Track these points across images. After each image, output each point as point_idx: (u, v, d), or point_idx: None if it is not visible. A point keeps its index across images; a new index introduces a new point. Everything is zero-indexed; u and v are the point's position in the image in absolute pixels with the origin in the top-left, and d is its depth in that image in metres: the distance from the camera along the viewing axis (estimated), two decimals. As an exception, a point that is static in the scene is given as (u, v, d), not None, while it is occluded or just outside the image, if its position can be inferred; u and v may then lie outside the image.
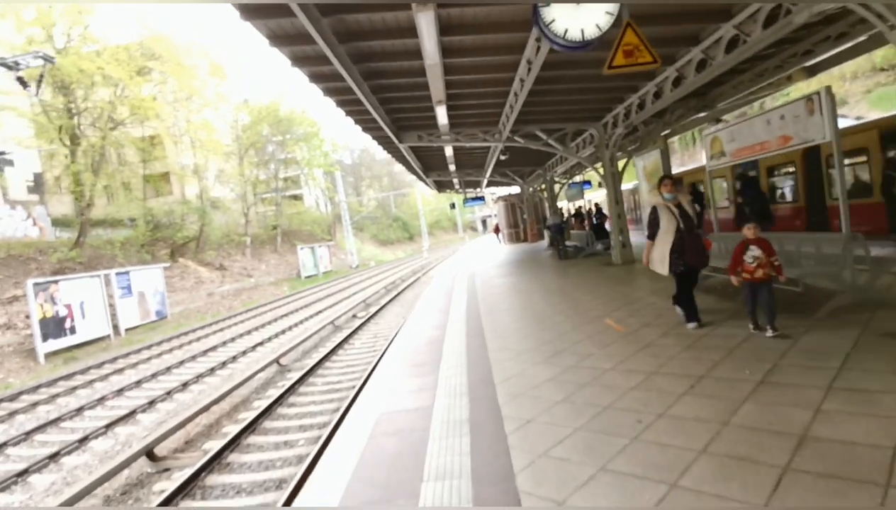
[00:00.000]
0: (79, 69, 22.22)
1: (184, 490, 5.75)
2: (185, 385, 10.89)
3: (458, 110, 10.96)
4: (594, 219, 18.24)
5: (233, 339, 16.19)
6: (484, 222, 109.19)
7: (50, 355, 17.31)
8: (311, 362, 11.11)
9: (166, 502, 5.49)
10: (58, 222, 29.93)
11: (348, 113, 10.46)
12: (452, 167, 18.44)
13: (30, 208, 28.38)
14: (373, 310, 18.28)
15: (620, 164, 12.12)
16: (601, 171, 11.98)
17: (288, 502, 5.05)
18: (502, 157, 12.54)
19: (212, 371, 12.00)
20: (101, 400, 10.41)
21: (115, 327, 21.01)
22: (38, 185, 29.04)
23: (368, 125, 11.59)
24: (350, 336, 13.79)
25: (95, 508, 5.92)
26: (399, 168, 69.36)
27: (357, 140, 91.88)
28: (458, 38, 7.16)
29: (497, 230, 39.74)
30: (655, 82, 9.59)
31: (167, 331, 21.96)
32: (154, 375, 12.16)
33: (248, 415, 8.07)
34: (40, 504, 6.30)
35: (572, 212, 19.91)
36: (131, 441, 8.02)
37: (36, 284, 17.45)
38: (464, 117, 11.41)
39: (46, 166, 30.39)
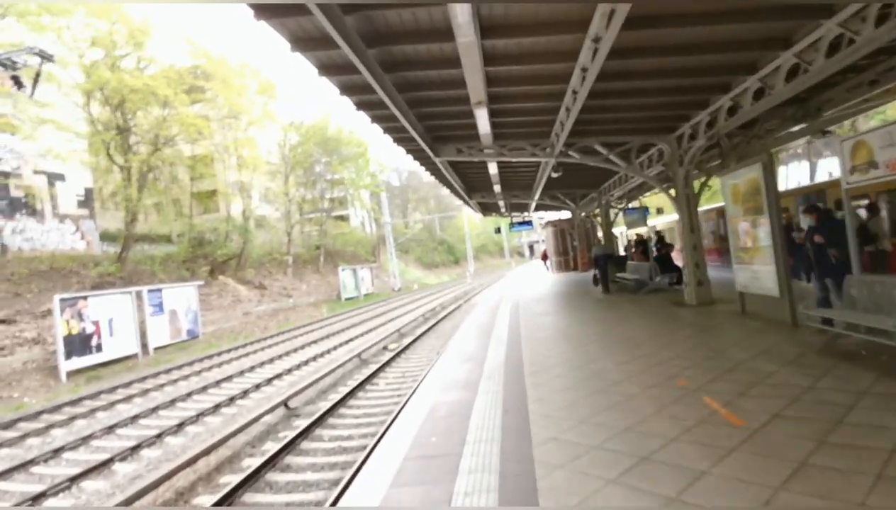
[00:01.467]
0: (130, 88, 22.20)
1: None
2: (181, 425, 9.55)
3: (502, 117, 9.39)
4: (654, 248, 16.10)
5: (252, 368, 14.94)
6: (531, 248, 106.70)
7: (73, 373, 16.62)
8: (322, 407, 9.56)
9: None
10: (106, 237, 30.19)
11: (374, 119, 9.07)
12: (497, 188, 16.82)
13: (78, 222, 28.70)
14: (406, 341, 16.68)
15: (696, 185, 10.15)
16: (672, 192, 10.00)
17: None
18: (554, 175, 10.79)
19: (216, 409, 10.68)
20: (87, 439, 9.20)
21: (145, 346, 20.35)
22: (88, 199, 29.42)
23: (399, 135, 10.16)
24: (374, 374, 12.20)
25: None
26: (447, 191, 68.55)
27: (405, 162, 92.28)
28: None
29: (545, 257, 37.66)
30: (734, 94, 8.09)
31: (196, 352, 21.12)
32: (155, 410, 10.94)
33: (228, 481, 6.54)
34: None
35: (632, 240, 17.74)
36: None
37: (63, 300, 16.89)
38: (509, 126, 9.81)
39: (99, 182, 30.86)
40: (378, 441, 6.45)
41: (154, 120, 26.54)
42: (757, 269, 7.29)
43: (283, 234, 43.57)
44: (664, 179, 10.31)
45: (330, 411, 9.32)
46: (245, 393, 11.74)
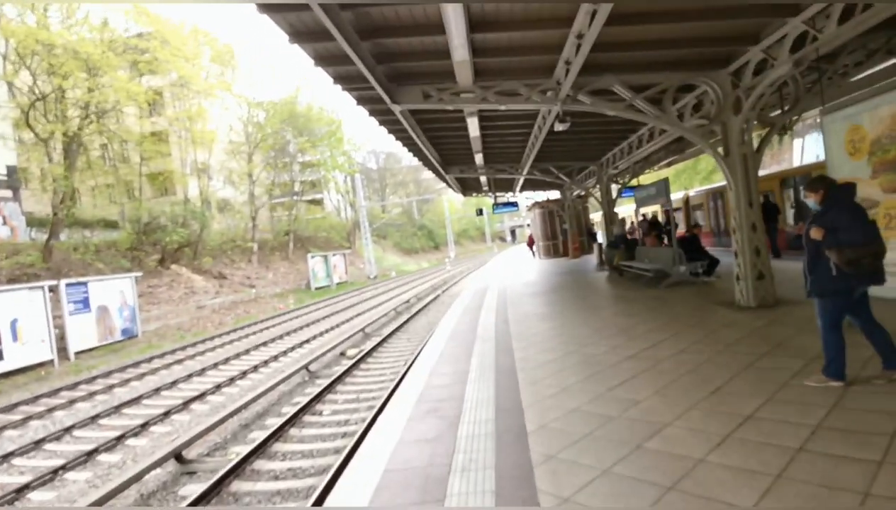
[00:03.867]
0: (36, 40, 18.50)
1: None
2: (60, 470, 6.62)
3: (488, 46, 6.54)
4: (663, 229, 13.46)
5: (175, 383, 11.98)
6: (513, 232, 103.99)
7: (-42, 390, 13.49)
8: (232, 458, 6.67)
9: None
10: (34, 222, 26.52)
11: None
12: (479, 159, 13.92)
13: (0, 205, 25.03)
14: (370, 344, 13.84)
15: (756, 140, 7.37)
16: (721, 150, 7.20)
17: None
18: (559, 127, 7.84)
19: (119, 441, 7.83)
20: None
21: (63, 350, 17.17)
22: (11, 178, 25.63)
23: (341, 69, 7.24)
24: (320, 397, 9.35)
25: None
26: (427, 174, 64.89)
27: (383, 144, 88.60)
28: None
29: (531, 242, 34.98)
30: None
31: (130, 355, 18.05)
32: (39, 443, 8.01)
33: None
34: None
35: (638, 221, 14.99)
36: None
37: (-59, 300, 13.67)
38: (496, 53, 6.89)
39: (24, 158, 27.09)
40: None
41: (85, 87, 22.88)
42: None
43: (249, 219, 40.15)
44: (708, 133, 7.49)
45: (247, 460, 6.48)
46: (145, 426, 8.79)
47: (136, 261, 27.48)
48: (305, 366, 11.41)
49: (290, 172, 48.18)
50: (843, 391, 3.84)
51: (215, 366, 13.52)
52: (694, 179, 34.90)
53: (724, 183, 9.82)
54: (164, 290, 27.19)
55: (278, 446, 7.20)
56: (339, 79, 7.76)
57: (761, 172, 8.66)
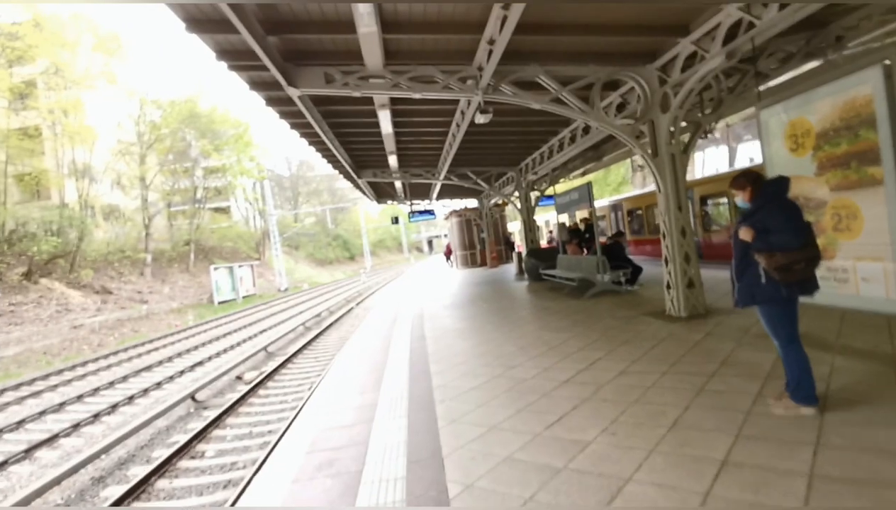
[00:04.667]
0: None
1: None
2: None
3: (399, 32, 5.64)
4: (584, 237, 13.19)
5: (43, 414, 9.87)
6: (430, 243, 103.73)
7: None
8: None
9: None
10: None
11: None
12: (394, 161, 12.93)
13: None
14: (273, 364, 12.32)
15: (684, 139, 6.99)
16: (651, 149, 6.75)
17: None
18: (480, 119, 6.93)
19: None
20: None
21: None
22: None
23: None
24: (206, 430, 7.86)
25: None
26: (342, 183, 62.35)
27: (295, 150, 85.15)
28: None
29: (449, 252, 34.42)
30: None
31: (-26, 388, 15.03)
32: None
33: None
34: None
35: (553, 230, 14.65)
36: None
37: None
38: (409, 29, 5.96)
39: None
40: None
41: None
42: (847, 268, 4.15)
43: (142, 227, 36.24)
44: (636, 131, 7.01)
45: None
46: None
47: (-7, 275, 23.58)
48: (191, 395, 9.73)
49: (192, 177, 44.46)
50: (820, 420, 3.24)
51: (79, 398, 11.36)
52: (605, 190, 36.12)
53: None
54: (31, 308, 23.50)
55: (137, 507, 5.70)
56: (222, 54, 6.46)
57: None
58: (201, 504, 5.53)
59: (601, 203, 19.77)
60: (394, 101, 8.22)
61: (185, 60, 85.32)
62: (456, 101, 8.70)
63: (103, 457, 7.31)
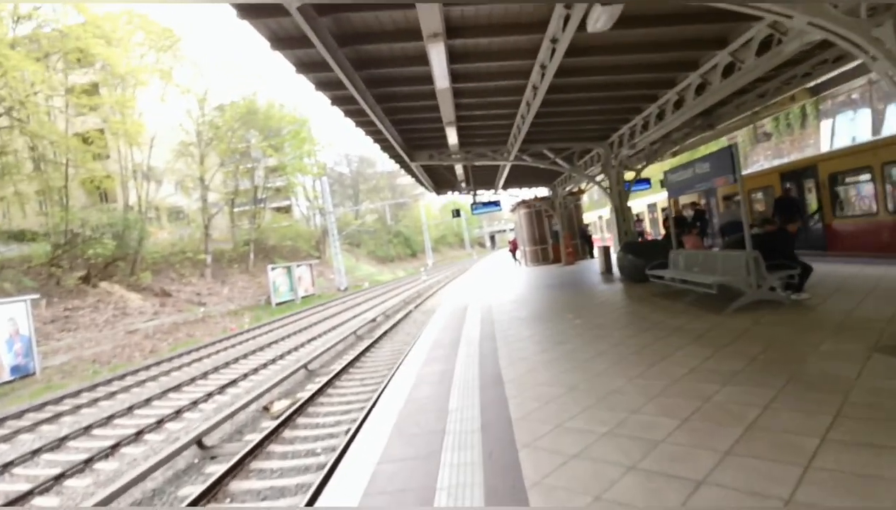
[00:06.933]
0: None
1: None
2: None
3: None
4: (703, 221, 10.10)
5: (59, 444, 8.23)
6: (493, 238, 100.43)
7: None
8: None
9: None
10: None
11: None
12: (453, 135, 10.40)
13: None
14: (308, 392, 10.22)
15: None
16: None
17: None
18: (600, 25, 4.45)
19: None
20: None
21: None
22: None
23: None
24: (212, 489, 5.72)
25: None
26: (403, 179, 60.81)
27: (355, 147, 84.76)
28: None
29: (514, 247, 31.55)
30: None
31: (13, 402, 14.06)
32: None
33: None
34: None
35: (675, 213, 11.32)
36: None
37: None
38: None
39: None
40: None
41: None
42: None
43: (203, 229, 35.98)
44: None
45: None
46: None
47: (52, 279, 23.27)
48: (197, 440, 7.64)
49: (252, 177, 44.21)
50: None
51: (104, 423, 9.71)
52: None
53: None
54: (87, 313, 23.02)
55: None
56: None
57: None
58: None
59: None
60: (450, 31, 5.66)
61: (239, 55, 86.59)
62: (535, 49, 6.29)
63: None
